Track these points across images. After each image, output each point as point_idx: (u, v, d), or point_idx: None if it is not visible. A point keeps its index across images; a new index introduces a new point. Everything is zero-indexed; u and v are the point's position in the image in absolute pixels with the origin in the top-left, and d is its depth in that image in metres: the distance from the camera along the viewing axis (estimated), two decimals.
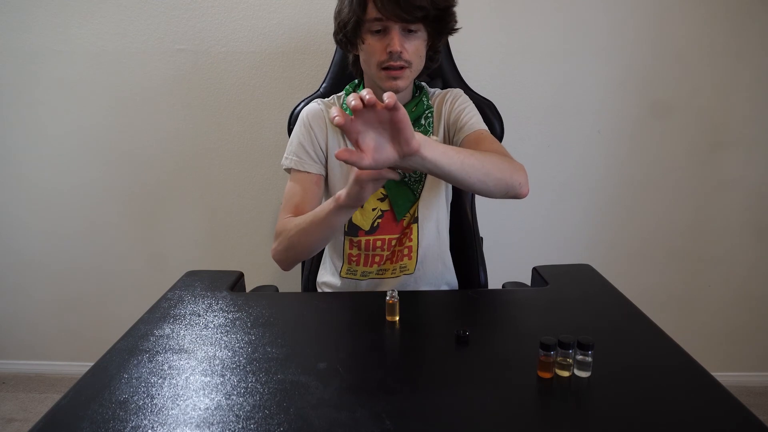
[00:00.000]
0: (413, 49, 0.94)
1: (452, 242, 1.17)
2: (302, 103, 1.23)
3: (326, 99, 1.11)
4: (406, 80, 0.96)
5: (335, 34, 1.00)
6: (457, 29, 1.00)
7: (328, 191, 1.10)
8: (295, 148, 1.05)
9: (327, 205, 0.90)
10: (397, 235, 1.07)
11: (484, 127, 1.03)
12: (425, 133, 1.03)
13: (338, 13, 0.97)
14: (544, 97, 1.60)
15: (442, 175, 0.79)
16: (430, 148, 0.73)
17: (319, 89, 1.25)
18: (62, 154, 1.69)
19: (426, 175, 1.05)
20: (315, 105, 1.08)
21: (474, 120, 1.03)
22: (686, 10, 1.51)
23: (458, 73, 1.26)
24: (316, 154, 1.05)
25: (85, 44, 1.58)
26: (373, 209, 1.06)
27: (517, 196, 0.89)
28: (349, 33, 0.95)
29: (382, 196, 1.05)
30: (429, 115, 1.05)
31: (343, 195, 0.83)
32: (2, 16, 1.57)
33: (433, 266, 1.11)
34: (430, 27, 0.96)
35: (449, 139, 1.07)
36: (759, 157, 1.63)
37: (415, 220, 1.07)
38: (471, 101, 1.08)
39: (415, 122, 1.03)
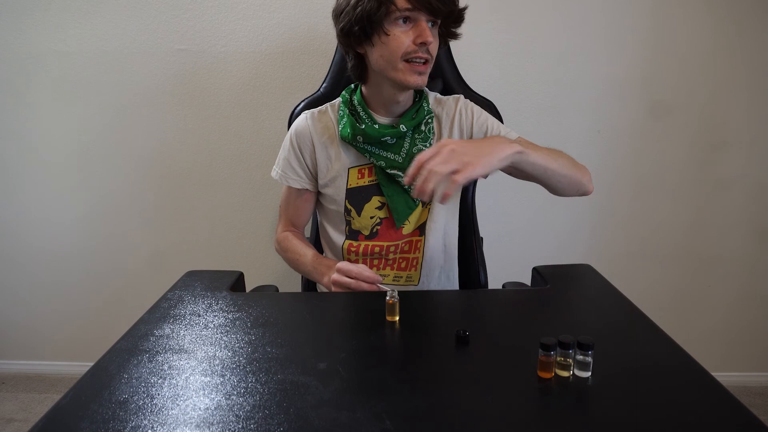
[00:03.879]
0: (435, 43, 0.95)
1: None
2: (302, 104, 1.23)
3: (320, 108, 1.09)
4: (426, 77, 0.96)
5: (347, 27, 0.94)
6: (460, 35, 1.01)
7: (323, 205, 1.11)
8: (281, 161, 1.09)
9: (313, 267, 1.03)
10: (395, 242, 1.07)
11: (516, 134, 1.05)
12: (425, 140, 1.03)
13: (354, 4, 0.92)
14: (544, 97, 1.60)
15: (530, 176, 0.92)
16: (523, 161, 0.85)
17: (319, 89, 1.25)
18: (61, 155, 1.69)
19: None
20: (303, 121, 1.07)
21: (503, 130, 1.06)
22: (686, 10, 1.51)
23: (458, 73, 1.26)
24: (302, 170, 1.07)
25: (85, 44, 1.58)
26: (371, 217, 1.05)
27: (585, 193, 1.01)
28: (371, 24, 0.91)
29: (380, 204, 1.05)
30: (429, 120, 1.04)
31: (327, 283, 0.96)
32: (2, 16, 1.57)
33: (436, 280, 1.11)
34: (444, 27, 0.97)
35: None
36: (759, 157, 1.63)
37: (423, 232, 1.07)
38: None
39: (416, 128, 1.03)
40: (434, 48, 0.94)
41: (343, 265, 0.92)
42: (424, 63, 0.94)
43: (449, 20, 0.96)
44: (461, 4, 0.96)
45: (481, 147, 0.80)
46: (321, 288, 1.18)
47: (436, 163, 0.74)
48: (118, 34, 1.57)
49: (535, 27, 1.54)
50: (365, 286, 0.90)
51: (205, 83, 1.61)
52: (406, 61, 0.93)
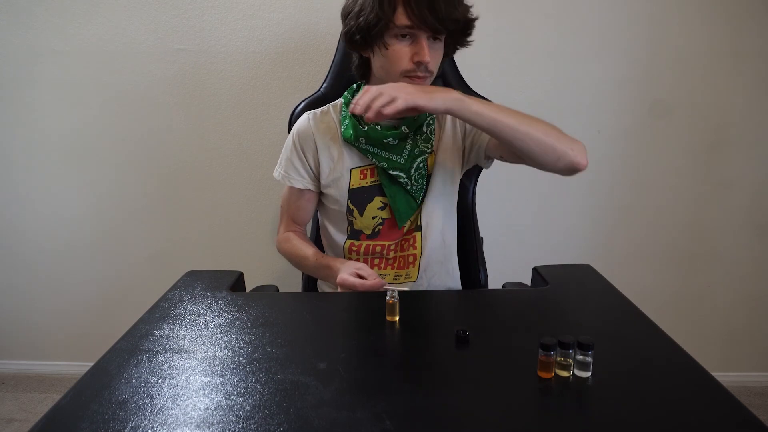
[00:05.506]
0: (436, 58, 0.94)
1: None
2: (302, 103, 1.23)
3: (322, 108, 1.09)
4: None
5: (350, 34, 0.94)
6: (471, 42, 0.99)
7: (325, 205, 1.11)
8: (284, 162, 1.09)
9: (316, 269, 1.05)
10: (395, 241, 1.07)
11: None
12: (426, 141, 1.03)
13: (357, 13, 0.91)
14: (544, 96, 1.59)
15: (485, 132, 0.92)
16: (464, 111, 0.85)
17: (319, 89, 1.25)
18: (61, 155, 1.69)
19: (429, 183, 1.05)
20: (305, 122, 1.06)
21: None
22: (686, 10, 1.51)
23: (458, 73, 1.26)
24: (305, 171, 1.07)
25: (85, 44, 1.58)
26: (374, 217, 1.06)
27: (573, 168, 0.91)
28: (371, 36, 0.91)
29: (383, 205, 1.05)
30: (431, 122, 1.04)
31: (337, 281, 0.95)
32: (2, 16, 1.57)
33: (435, 275, 1.10)
34: (451, 38, 0.96)
35: (464, 142, 1.07)
36: (758, 157, 1.63)
37: (418, 228, 1.07)
38: None
39: (417, 129, 1.03)
40: (435, 64, 0.93)
41: (345, 280, 0.92)
42: (422, 78, 0.93)
43: (455, 35, 0.94)
44: (473, 14, 0.94)
45: (423, 89, 0.85)
46: (321, 288, 1.18)
47: (378, 88, 0.84)
48: (118, 34, 1.57)
49: (535, 27, 1.54)
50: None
51: (205, 83, 1.61)
52: (405, 76, 0.92)
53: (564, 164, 0.91)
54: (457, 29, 0.93)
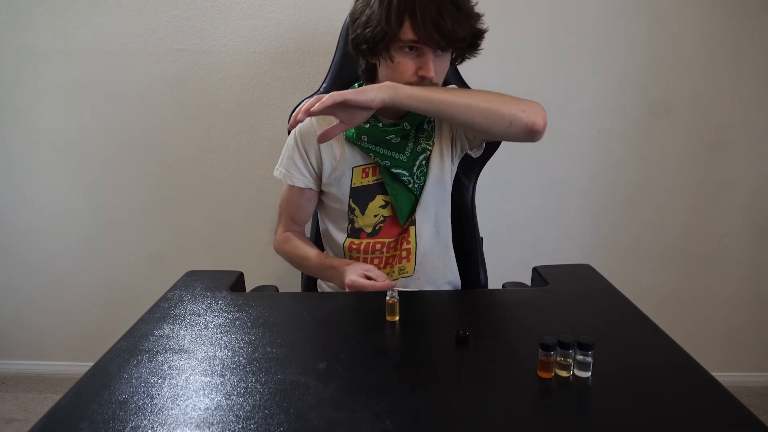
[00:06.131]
0: (442, 70, 0.94)
1: (453, 242, 1.16)
2: (302, 103, 1.23)
3: None
4: None
5: (357, 42, 0.94)
6: (479, 52, 0.98)
7: (326, 204, 1.11)
8: (285, 160, 1.09)
9: (318, 270, 1.05)
10: (394, 238, 1.07)
11: None
12: (428, 138, 1.03)
13: (365, 23, 0.91)
14: (543, 97, 1.57)
15: (426, 114, 0.92)
16: (399, 97, 0.85)
17: (319, 89, 1.25)
18: (62, 155, 1.69)
19: (425, 177, 1.06)
20: (307, 121, 1.06)
21: None
22: (686, 11, 1.51)
23: (458, 73, 1.26)
24: (307, 170, 1.07)
25: (85, 44, 1.58)
26: (375, 216, 1.06)
27: (530, 129, 0.89)
28: (377, 48, 0.91)
29: (384, 203, 1.05)
30: (432, 120, 1.05)
31: (339, 285, 0.98)
32: (3, 16, 1.57)
33: (433, 267, 1.10)
34: (458, 51, 0.95)
35: (452, 131, 1.07)
36: (758, 157, 1.63)
37: (412, 222, 1.07)
38: None
39: (418, 127, 1.03)
40: (440, 76, 0.93)
41: (355, 282, 0.92)
42: None
43: (463, 48, 0.94)
44: (484, 24, 0.93)
45: (357, 90, 0.86)
46: (321, 288, 1.18)
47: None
48: (118, 34, 1.57)
49: (534, 28, 1.54)
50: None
51: (205, 83, 1.61)
52: None
53: (519, 128, 0.89)
54: (467, 44, 0.92)
